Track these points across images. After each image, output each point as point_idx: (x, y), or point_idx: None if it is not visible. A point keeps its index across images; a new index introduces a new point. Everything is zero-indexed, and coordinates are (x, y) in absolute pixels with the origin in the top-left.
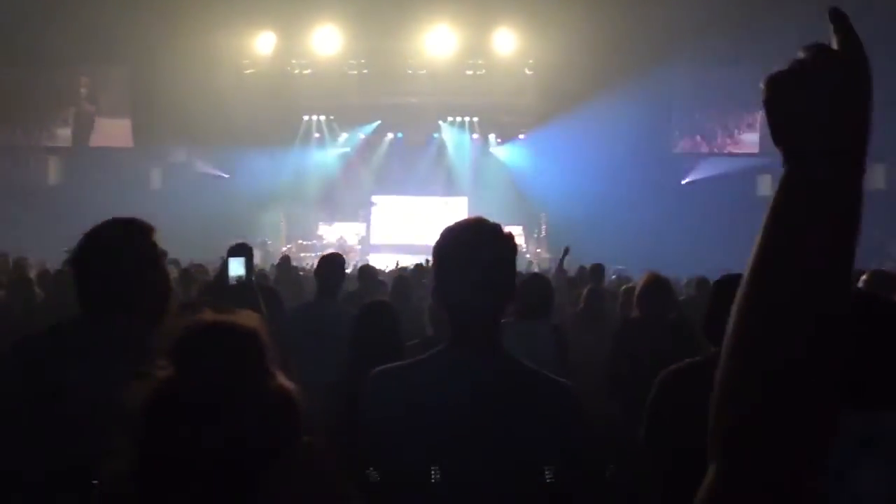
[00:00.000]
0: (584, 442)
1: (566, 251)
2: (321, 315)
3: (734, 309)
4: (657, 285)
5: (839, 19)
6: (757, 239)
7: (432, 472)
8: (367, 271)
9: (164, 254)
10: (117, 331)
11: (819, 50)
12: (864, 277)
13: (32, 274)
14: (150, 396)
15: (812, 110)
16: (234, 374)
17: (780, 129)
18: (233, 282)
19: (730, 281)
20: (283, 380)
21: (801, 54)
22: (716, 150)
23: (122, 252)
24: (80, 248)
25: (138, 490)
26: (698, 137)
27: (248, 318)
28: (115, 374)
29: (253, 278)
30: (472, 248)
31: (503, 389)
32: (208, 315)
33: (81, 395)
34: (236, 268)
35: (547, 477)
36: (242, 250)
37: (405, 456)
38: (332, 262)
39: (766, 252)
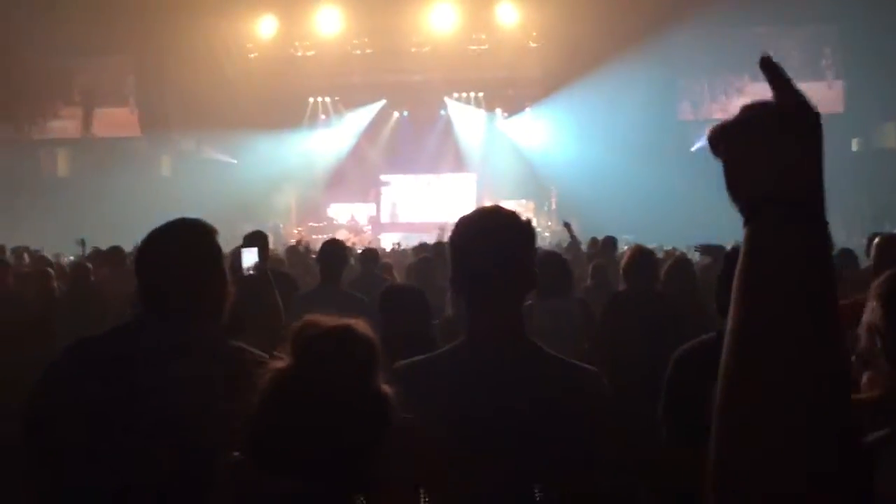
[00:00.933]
0: (612, 432)
1: (568, 226)
2: (326, 301)
3: (722, 381)
4: (641, 258)
5: (770, 70)
6: (733, 309)
7: (463, 468)
8: (367, 255)
9: (218, 255)
10: (181, 331)
11: (759, 106)
12: (876, 241)
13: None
14: (269, 381)
15: (760, 167)
16: (347, 375)
17: (732, 185)
18: (248, 272)
19: (737, 254)
20: (384, 386)
21: (742, 111)
22: (724, 116)
23: (186, 252)
24: (144, 245)
25: (253, 466)
26: (706, 103)
27: (363, 326)
28: (184, 376)
29: (265, 268)
30: (489, 236)
31: (528, 380)
32: (329, 318)
33: (154, 397)
34: (250, 258)
35: (573, 469)
36: (256, 240)
37: (435, 451)
38: (333, 248)
39: (746, 326)
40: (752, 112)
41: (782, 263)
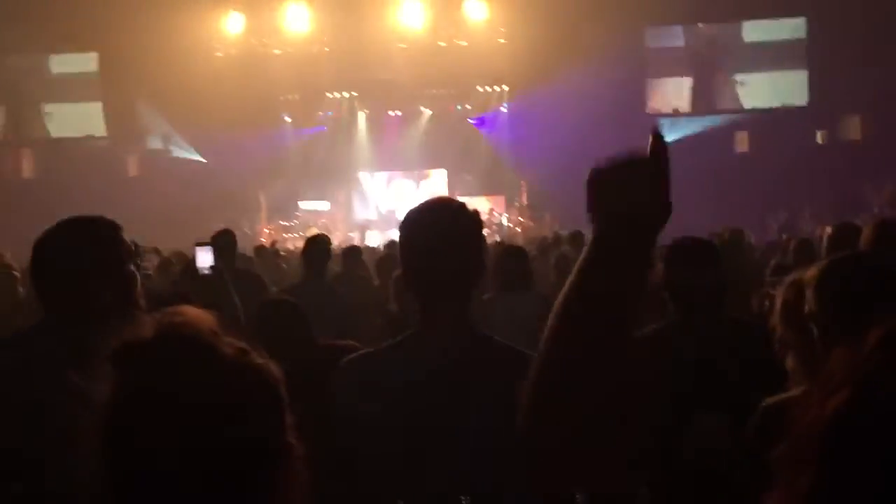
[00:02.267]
0: None
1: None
2: (309, 296)
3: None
4: None
5: (655, 137)
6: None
7: (410, 459)
8: (351, 253)
9: (130, 253)
10: (81, 337)
11: (634, 155)
12: (828, 230)
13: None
14: (101, 416)
15: (625, 191)
16: (180, 385)
17: (595, 201)
18: (202, 272)
19: (682, 245)
20: (249, 359)
21: (623, 156)
22: (691, 110)
23: (80, 253)
24: (36, 249)
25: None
26: (675, 96)
27: (200, 314)
28: (82, 384)
29: (222, 267)
30: (437, 227)
31: (477, 369)
32: (148, 324)
33: (52, 408)
34: (204, 258)
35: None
36: (218, 239)
37: (381, 445)
38: (318, 244)
39: (570, 291)
40: (630, 158)
41: (616, 255)
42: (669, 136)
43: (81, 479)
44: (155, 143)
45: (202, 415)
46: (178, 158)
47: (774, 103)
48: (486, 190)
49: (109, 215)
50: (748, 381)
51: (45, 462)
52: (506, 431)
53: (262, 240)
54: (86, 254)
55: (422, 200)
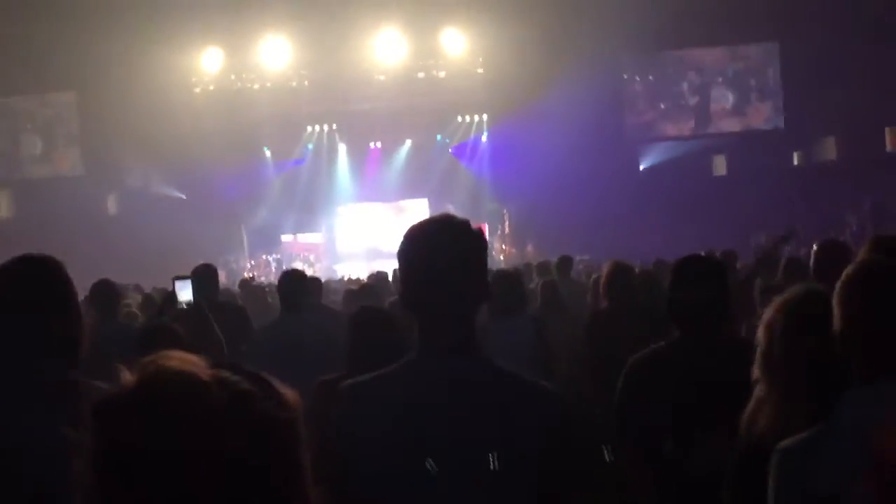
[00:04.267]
0: (572, 442)
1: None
2: (287, 332)
3: None
4: (621, 273)
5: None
6: None
7: (412, 485)
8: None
9: (73, 292)
10: (30, 378)
11: None
12: (814, 247)
13: None
14: (85, 470)
15: None
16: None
17: None
18: (181, 306)
19: (688, 263)
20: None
21: None
22: (671, 134)
23: (24, 294)
24: None
25: None
26: (653, 122)
27: (190, 359)
28: (32, 427)
29: (201, 300)
30: (439, 246)
31: (481, 395)
32: (131, 372)
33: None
34: (184, 292)
35: (533, 482)
36: (199, 272)
37: (383, 470)
38: (294, 278)
39: None
40: None
41: None
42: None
43: None
44: (134, 181)
45: (188, 463)
46: (157, 195)
47: (751, 126)
48: (469, 219)
49: (90, 254)
50: (745, 400)
51: None
52: (505, 456)
53: (246, 274)
54: (41, 288)
55: (415, 222)
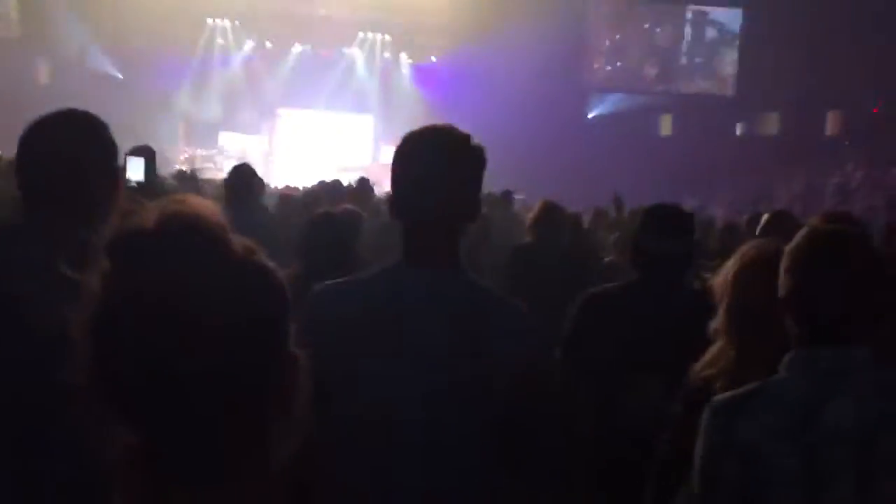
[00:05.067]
0: (546, 365)
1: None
2: (232, 222)
3: None
4: (549, 211)
5: None
6: None
7: (379, 391)
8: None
9: (112, 152)
10: (61, 236)
11: None
12: (765, 218)
13: None
14: (91, 314)
15: None
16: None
17: None
18: (132, 184)
19: (661, 211)
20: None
21: None
22: (622, 86)
23: (80, 146)
24: (26, 136)
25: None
26: (607, 69)
27: (207, 205)
28: (61, 284)
29: (155, 180)
30: (437, 153)
31: (463, 307)
32: (149, 212)
33: (33, 307)
34: (136, 170)
35: (501, 402)
36: (143, 151)
37: (348, 374)
38: (245, 173)
39: None
40: None
41: None
42: (596, 111)
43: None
44: (70, 51)
45: (204, 311)
46: (94, 71)
47: (702, 89)
48: None
49: (18, 122)
50: (698, 349)
51: (41, 362)
52: (475, 370)
53: (179, 165)
54: (85, 147)
55: (371, 149)
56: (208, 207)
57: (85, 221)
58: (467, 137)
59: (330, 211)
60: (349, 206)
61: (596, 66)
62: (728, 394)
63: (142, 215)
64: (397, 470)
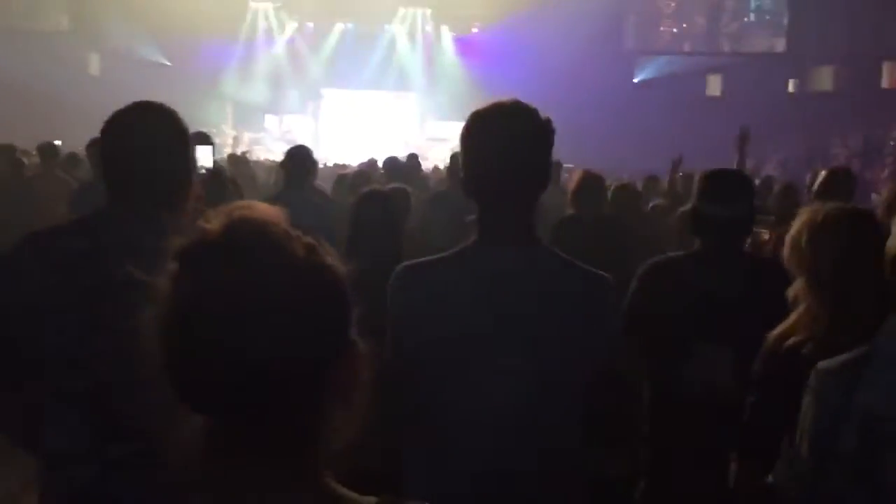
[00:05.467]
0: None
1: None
2: (289, 208)
3: None
4: (589, 182)
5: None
6: None
7: (465, 367)
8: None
9: (187, 139)
10: (146, 226)
11: None
12: (822, 175)
13: None
14: (161, 316)
15: None
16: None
17: None
18: (202, 171)
19: (720, 176)
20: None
21: None
22: (668, 48)
23: (139, 137)
24: (108, 128)
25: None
26: (652, 31)
27: (271, 211)
28: (149, 268)
29: (222, 168)
30: (508, 128)
31: (538, 279)
32: (216, 217)
33: (118, 295)
34: (205, 158)
35: (585, 367)
36: (205, 139)
37: (434, 353)
38: (303, 154)
39: None
40: None
41: None
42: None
43: (146, 372)
44: (119, 41)
45: (268, 314)
46: (142, 60)
47: (752, 48)
48: (458, 116)
49: (69, 114)
50: (761, 317)
51: (108, 354)
52: (562, 345)
53: (228, 149)
54: (164, 135)
55: (416, 127)
56: (273, 213)
57: (167, 205)
58: (535, 112)
59: (376, 188)
60: (398, 184)
61: (638, 29)
62: (838, 359)
63: (210, 221)
64: (496, 452)
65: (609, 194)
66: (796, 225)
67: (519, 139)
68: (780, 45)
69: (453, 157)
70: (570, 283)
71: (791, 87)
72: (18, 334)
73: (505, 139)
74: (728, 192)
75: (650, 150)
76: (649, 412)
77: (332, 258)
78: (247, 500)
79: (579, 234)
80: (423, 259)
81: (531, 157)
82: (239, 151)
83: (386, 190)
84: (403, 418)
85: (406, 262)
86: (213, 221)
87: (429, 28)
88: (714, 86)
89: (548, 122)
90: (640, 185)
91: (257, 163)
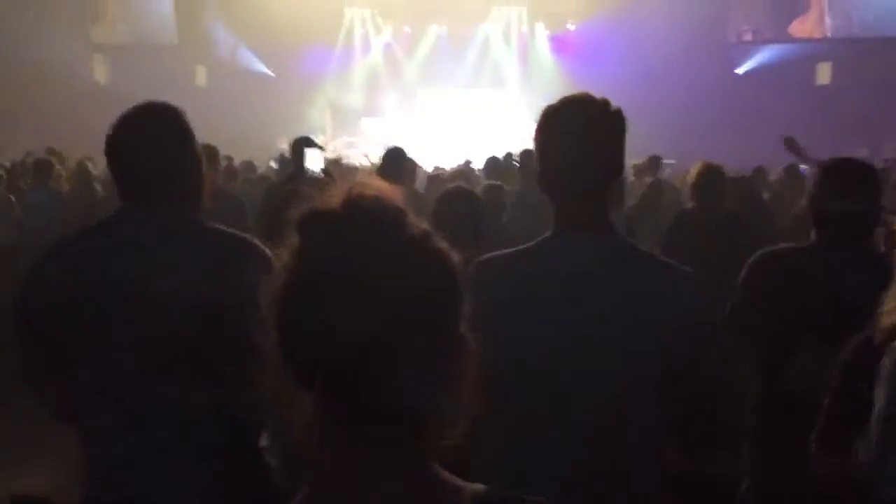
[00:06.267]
0: (711, 323)
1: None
2: None
3: None
4: (710, 174)
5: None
6: None
7: (546, 360)
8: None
9: (193, 136)
10: (164, 218)
11: None
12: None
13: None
14: (282, 284)
15: None
16: (371, 249)
17: None
18: (312, 174)
19: (844, 167)
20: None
21: None
22: (772, 38)
23: (158, 135)
24: (114, 132)
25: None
26: (755, 26)
27: (388, 188)
28: (167, 264)
29: (332, 172)
30: (580, 121)
31: (618, 272)
32: (336, 192)
33: (147, 285)
34: (315, 160)
35: (668, 359)
36: (314, 144)
37: (517, 344)
38: (398, 155)
39: None
40: None
41: None
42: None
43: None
44: (224, 52)
45: (386, 289)
46: (246, 70)
47: (861, 33)
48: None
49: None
50: (866, 318)
51: (125, 346)
52: (640, 338)
53: (328, 155)
54: (176, 137)
55: (510, 125)
56: (390, 189)
57: (178, 202)
58: (607, 103)
59: (461, 186)
60: (492, 181)
61: (739, 19)
62: None
63: (329, 194)
64: (574, 446)
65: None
66: None
67: (590, 131)
68: (892, 27)
69: (524, 153)
70: (649, 276)
71: None
72: (47, 328)
73: (576, 132)
74: (847, 184)
75: (758, 142)
76: (756, 410)
77: (447, 247)
78: (360, 487)
79: (702, 228)
80: (500, 252)
81: (603, 149)
82: (337, 156)
83: (467, 188)
84: (484, 417)
85: (484, 256)
86: (334, 194)
87: (524, 27)
88: (823, 74)
89: (618, 112)
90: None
91: (354, 168)
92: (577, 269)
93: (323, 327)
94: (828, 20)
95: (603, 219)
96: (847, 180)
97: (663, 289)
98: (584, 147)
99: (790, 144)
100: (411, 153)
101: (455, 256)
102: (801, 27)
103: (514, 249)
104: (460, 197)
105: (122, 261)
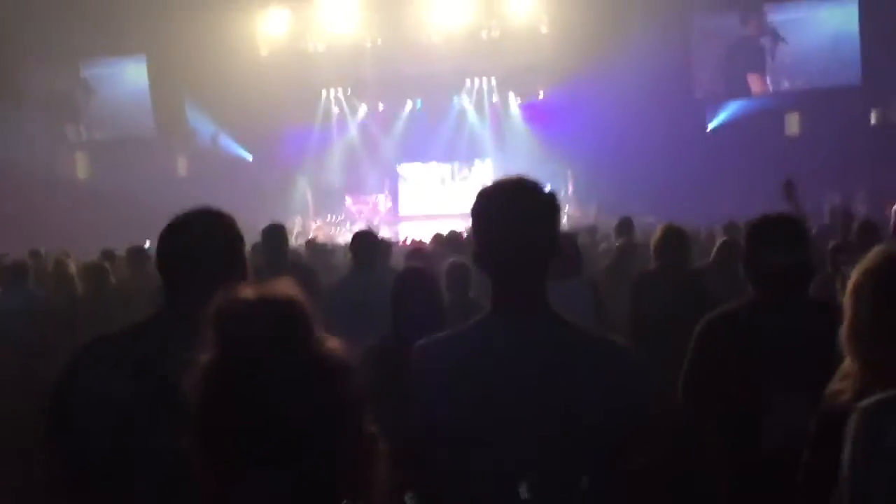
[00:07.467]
0: (648, 399)
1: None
2: (357, 290)
3: None
4: (672, 235)
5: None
6: None
7: (485, 440)
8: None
9: (242, 242)
10: (194, 327)
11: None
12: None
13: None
14: (201, 379)
15: None
16: (276, 342)
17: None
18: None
19: (770, 223)
20: (330, 343)
21: None
22: (739, 93)
23: (204, 242)
24: (163, 237)
25: (203, 467)
26: (722, 82)
27: (285, 286)
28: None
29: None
30: (511, 205)
31: (554, 352)
32: (245, 290)
33: (178, 393)
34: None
35: (607, 438)
36: (271, 232)
37: (456, 426)
38: (367, 237)
39: None
40: None
41: None
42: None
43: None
44: (203, 142)
45: (293, 377)
46: (225, 156)
47: (826, 83)
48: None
49: (164, 214)
50: (827, 364)
51: (163, 454)
52: (576, 415)
53: (311, 234)
54: (210, 243)
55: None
56: (292, 287)
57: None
58: (538, 187)
59: (415, 265)
60: (456, 258)
61: (707, 76)
62: (876, 397)
63: (239, 297)
64: None
65: (714, 250)
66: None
67: (523, 215)
68: (856, 77)
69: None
70: (583, 355)
71: (873, 119)
72: (83, 440)
73: (509, 217)
74: (780, 237)
75: (732, 196)
76: (727, 471)
77: (340, 349)
78: None
79: (662, 288)
80: (441, 334)
81: (536, 232)
82: (317, 237)
83: (421, 267)
84: (428, 485)
85: (422, 341)
86: (243, 296)
87: (495, 97)
88: (793, 124)
89: (552, 196)
90: (720, 232)
91: (337, 247)
92: (511, 350)
93: (225, 436)
94: (770, 78)
95: (538, 297)
96: (776, 234)
97: (598, 367)
98: (515, 230)
99: (788, 190)
100: (394, 227)
101: (352, 365)
102: (757, 81)
103: (452, 331)
104: (415, 276)
105: (163, 367)
